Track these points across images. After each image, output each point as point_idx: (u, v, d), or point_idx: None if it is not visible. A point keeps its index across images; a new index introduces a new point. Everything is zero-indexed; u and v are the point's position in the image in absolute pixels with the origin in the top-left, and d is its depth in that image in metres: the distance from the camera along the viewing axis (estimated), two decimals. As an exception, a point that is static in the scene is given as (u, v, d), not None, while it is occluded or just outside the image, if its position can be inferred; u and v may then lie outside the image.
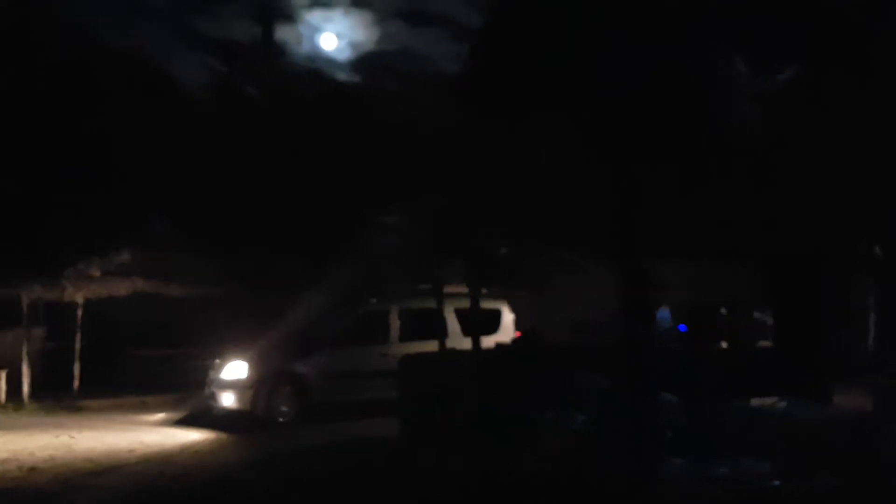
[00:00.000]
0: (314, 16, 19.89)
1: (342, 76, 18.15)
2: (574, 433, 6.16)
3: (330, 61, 18.54)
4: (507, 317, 12.11)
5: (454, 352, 9.47)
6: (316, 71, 16.97)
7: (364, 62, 18.77)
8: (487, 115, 7.27)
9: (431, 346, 10.04)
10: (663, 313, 9.15)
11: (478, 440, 6.87)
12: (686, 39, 4.49)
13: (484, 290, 10.69)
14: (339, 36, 19.85)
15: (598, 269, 11.88)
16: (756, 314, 7.96)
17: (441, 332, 9.85)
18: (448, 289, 10.57)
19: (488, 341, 9.99)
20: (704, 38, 4.75)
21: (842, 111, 5.80)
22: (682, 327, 8.83)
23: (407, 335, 11.51)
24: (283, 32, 17.54)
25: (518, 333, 11.31)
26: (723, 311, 7.92)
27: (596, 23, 4.46)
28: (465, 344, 9.86)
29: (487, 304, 11.18)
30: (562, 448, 6.09)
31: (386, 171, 12.56)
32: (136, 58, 13.36)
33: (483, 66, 5.41)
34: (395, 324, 11.70)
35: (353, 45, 19.89)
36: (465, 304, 10.40)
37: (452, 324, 10.97)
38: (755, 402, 6.59)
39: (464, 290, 10.55)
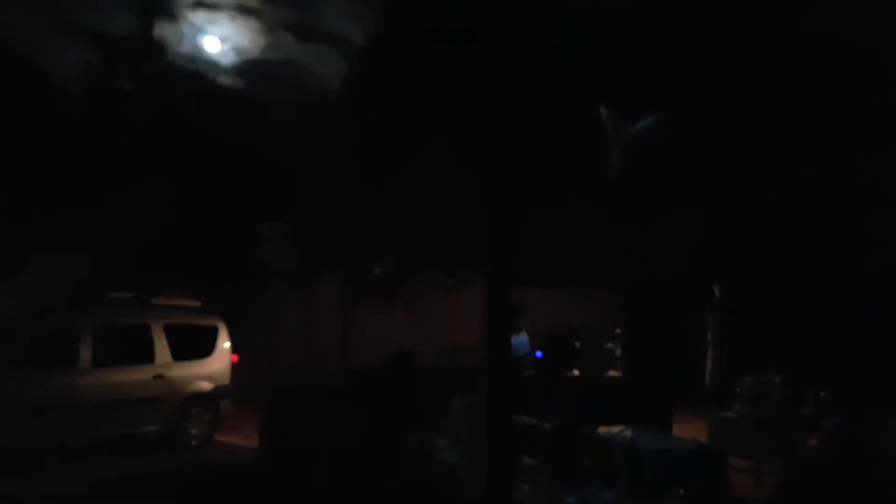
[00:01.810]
0: (198, 17, 19.38)
1: (223, 80, 17.79)
2: (435, 457, 6.35)
3: (212, 64, 18.13)
4: (224, 337, 9.77)
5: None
6: (198, 73, 16.56)
7: (248, 69, 18.47)
8: (371, 137, 7.43)
9: (137, 372, 8.57)
10: (521, 339, 9.51)
11: (343, 463, 6.93)
12: (563, 92, 4.84)
13: (196, 303, 9.60)
14: (223, 40, 19.42)
15: (471, 294, 12.35)
16: (607, 344, 8.48)
17: (146, 354, 8.63)
18: (158, 300, 9.24)
19: (196, 368, 9.14)
20: (575, 89, 5.13)
21: (693, 155, 6.37)
22: (539, 353, 9.20)
23: (104, 359, 8.37)
24: (164, 30, 17.00)
25: (235, 358, 9.75)
26: (577, 343, 8.37)
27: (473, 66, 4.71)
28: (177, 370, 8.93)
29: (201, 321, 9.62)
30: (424, 472, 6.27)
31: (263, 179, 12.47)
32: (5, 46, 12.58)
33: (367, 90, 5.54)
34: (87, 344, 8.26)
35: (237, 50, 19.52)
36: (179, 319, 9.23)
37: (162, 345, 8.93)
38: (603, 430, 6.99)
39: (178, 301, 9.43)
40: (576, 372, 8.15)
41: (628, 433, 6.89)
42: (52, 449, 7.75)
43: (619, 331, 9.47)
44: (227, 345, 9.74)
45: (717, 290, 8.94)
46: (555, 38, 5.08)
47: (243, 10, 19.31)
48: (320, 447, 7.21)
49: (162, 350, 8.88)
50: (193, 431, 9.16)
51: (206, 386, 9.24)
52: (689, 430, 8.13)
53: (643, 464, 6.21)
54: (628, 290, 7.87)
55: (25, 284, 9.66)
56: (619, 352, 8.23)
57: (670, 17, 5.41)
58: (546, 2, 5.40)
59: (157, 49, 15.70)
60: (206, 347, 9.50)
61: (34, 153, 12.02)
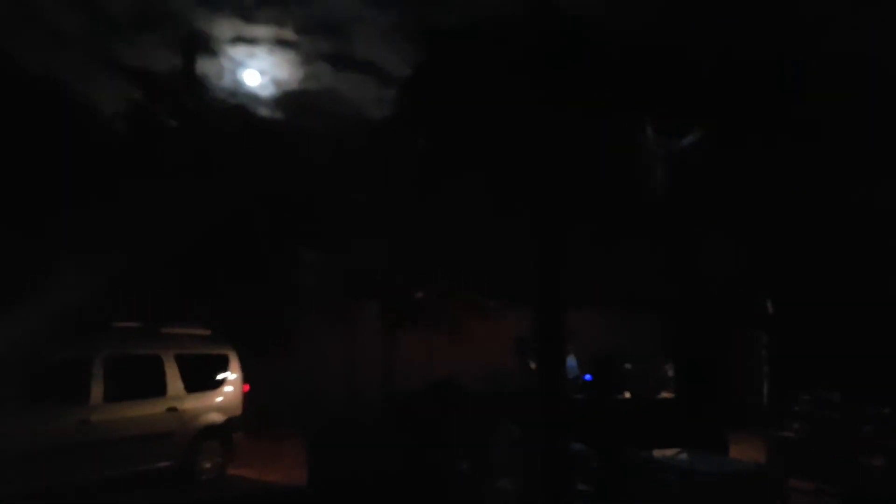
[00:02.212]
0: (238, 51, 19.84)
1: (264, 112, 18.13)
2: (485, 483, 6.24)
3: (252, 97, 18.51)
4: (235, 366, 9.33)
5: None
6: (238, 105, 16.91)
7: (287, 100, 18.80)
8: (411, 164, 7.44)
9: (150, 406, 8.13)
10: (569, 362, 9.39)
11: (393, 493, 6.84)
12: (604, 112, 4.77)
13: (206, 332, 9.20)
14: (262, 73, 19.84)
15: (513, 317, 12.23)
16: (662, 365, 8.31)
17: (158, 386, 8.22)
18: (167, 329, 8.84)
19: (208, 399, 8.75)
20: (620, 109, 5.06)
21: (737, 172, 6.23)
22: (588, 377, 9.05)
23: (118, 393, 7.86)
24: (205, 65, 17.42)
25: (246, 387, 9.38)
26: (627, 365, 8.21)
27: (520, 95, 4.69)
28: (190, 403, 8.49)
29: (212, 350, 9.21)
30: (474, 499, 6.16)
31: (303, 208, 12.60)
32: (55, 84, 13.00)
33: (410, 120, 5.55)
34: (99, 377, 7.71)
35: (276, 82, 19.91)
36: (190, 348, 8.81)
37: (174, 376, 8.50)
38: (657, 453, 6.81)
39: (188, 330, 9.05)
40: (627, 394, 7.98)
41: (684, 456, 6.70)
42: (59, 489, 7.19)
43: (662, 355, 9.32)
44: (239, 374, 9.37)
45: (769, 307, 8.70)
46: (595, 56, 5.02)
47: (281, 43, 19.73)
48: (368, 478, 7.14)
49: (174, 381, 8.50)
50: (206, 466, 8.77)
51: (218, 418, 8.90)
52: (745, 451, 7.89)
53: (701, 488, 6.03)
54: (678, 309, 7.69)
55: (48, 305, 9.26)
56: (671, 372, 8.04)
57: (712, 32, 5.34)
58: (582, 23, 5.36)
59: (199, 84, 16.08)
60: (217, 377, 9.16)
61: (76, 185, 12.30)
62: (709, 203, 6.16)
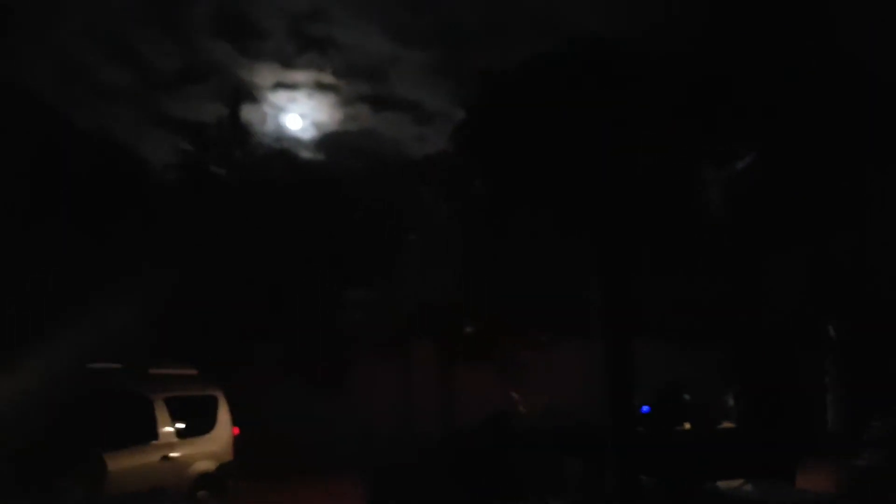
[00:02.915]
0: (280, 97, 20.40)
1: (307, 155, 18.55)
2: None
3: (296, 141, 18.97)
4: (224, 408, 8.56)
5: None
6: (283, 150, 17.33)
7: (328, 143, 19.22)
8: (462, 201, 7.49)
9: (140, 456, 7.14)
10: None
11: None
12: (658, 140, 4.77)
13: (194, 371, 8.43)
14: (303, 117, 20.33)
15: (566, 350, 12.12)
16: (722, 396, 8.14)
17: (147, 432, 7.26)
18: (154, 370, 8.02)
19: (199, 446, 7.91)
20: (673, 137, 5.05)
21: (793, 194, 6.14)
22: (645, 408, 8.90)
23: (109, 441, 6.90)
24: (248, 113, 17.96)
25: (236, 430, 8.73)
26: (686, 396, 8.03)
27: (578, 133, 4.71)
28: (182, 450, 7.63)
29: (200, 391, 8.41)
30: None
31: (356, 250, 12.78)
32: (106, 139, 13.49)
33: (466, 161, 5.58)
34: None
35: (316, 125, 20.39)
36: (179, 390, 7.99)
37: (164, 420, 7.59)
38: (722, 484, 6.65)
39: (175, 370, 8.23)
40: (687, 426, 7.81)
41: (749, 487, 6.54)
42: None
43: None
44: (228, 416, 8.60)
45: (832, 331, 8.47)
46: (643, 84, 5.03)
47: (321, 87, 20.20)
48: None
49: (165, 427, 7.64)
50: None
51: (210, 465, 8.08)
52: (813, 481, 7.62)
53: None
54: (740, 336, 7.54)
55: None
56: (731, 402, 7.86)
57: (764, 52, 5.30)
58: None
59: (244, 132, 16.54)
60: (207, 421, 8.36)
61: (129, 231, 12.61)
62: (769, 226, 6.07)
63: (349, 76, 19.89)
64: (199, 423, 8.23)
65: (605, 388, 4.24)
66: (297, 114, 20.07)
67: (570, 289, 7.81)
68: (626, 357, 4.17)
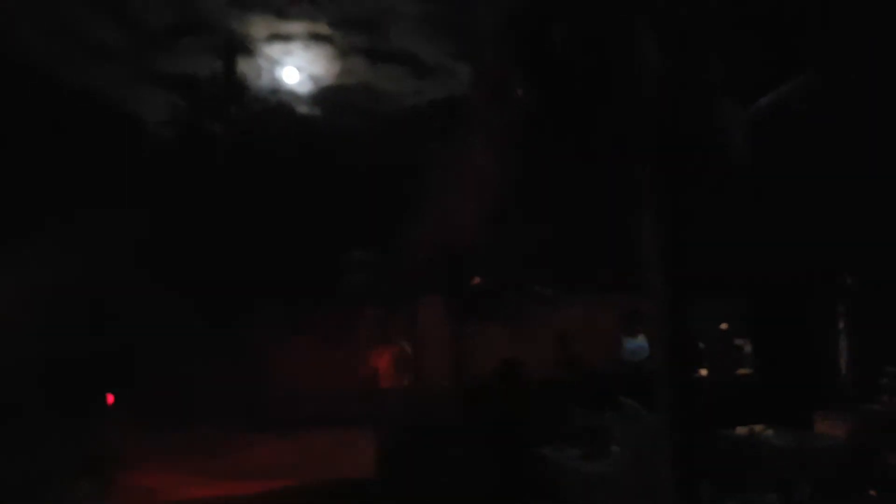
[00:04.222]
0: (274, 50, 19.93)
1: (304, 110, 18.17)
2: (569, 467, 6.09)
3: (293, 94, 18.57)
4: None
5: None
6: (280, 105, 16.97)
7: (325, 96, 18.81)
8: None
9: None
10: (639, 343, 9.21)
11: (472, 484, 6.73)
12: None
13: None
14: (299, 70, 19.89)
15: (574, 303, 12.03)
16: (736, 341, 8.07)
17: None
18: None
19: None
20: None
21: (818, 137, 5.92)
22: (633, 345, 8.92)
23: None
24: (243, 66, 17.52)
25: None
26: (701, 344, 7.97)
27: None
28: None
29: None
30: (557, 483, 6.02)
31: (360, 208, 12.57)
32: (97, 96, 13.15)
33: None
34: None
35: (313, 78, 19.95)
36: None
37: None
38: (740, 430, 6.60)
39: None
40: (703, 372, 7.76)
41: (770, 432, 6.49)
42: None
43: (724, 325, 9.04)
44: None
45: (848, 278, 8.37)
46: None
47: (317, 39, 19.72)
48: (445, 471, 7.05)
49: None
50: None
51: None
52: (830, 427, 7.58)
53: (792, 464, 5.83)
54: (753, 284, 7.42)
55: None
56: (747, 348, 7.79)
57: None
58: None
59: (240, 86, 16.18)
60: None
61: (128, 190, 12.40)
62: (791, 167, 5.87)
63: (344, 27, 19.37)
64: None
65: (660, 338, 4.06)
66: (293, 67, 19.64)
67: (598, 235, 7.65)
68: (683, 307, 3.98)
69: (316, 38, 20.02)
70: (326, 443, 10.10)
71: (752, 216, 6.80)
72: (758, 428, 6.53)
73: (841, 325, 8.80)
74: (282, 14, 19.05)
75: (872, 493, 5.38)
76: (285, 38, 19.53)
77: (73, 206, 10.99)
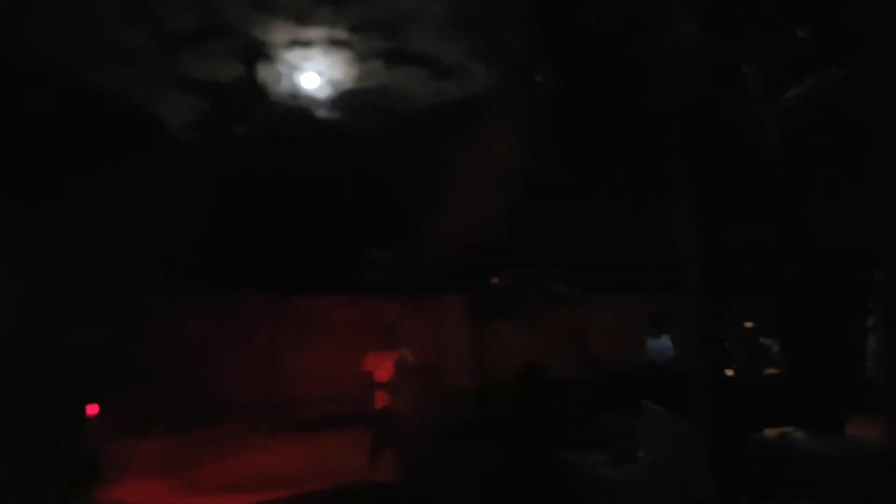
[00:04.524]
0: (294, 55, 20.02)
1: (324, 113, 18.21)
2: (594, 473, 5.97)
3: (313, 99, 18.63)
4: None
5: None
6: (300, 109, 17.03)
7: (346, 100, 18.83)
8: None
9: None
10: (664, 343, 9.05)
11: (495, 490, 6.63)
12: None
13: None
14: (319, 74, 19.94)
15: (597, 304, 11.90)
16: (763, 341, 7.90)
17: None
18: None
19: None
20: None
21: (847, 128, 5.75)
22: (655, 343, 8.79)
23: None
24: (264, 71, 17.61)
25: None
26: (727, 343, 7.79)
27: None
28: None
29: None
30: (581, 490, 5.90)
31: (380, 207, 12.57)
32: (123, 100, 13.27)
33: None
34: None
35: (332, 83, 19.98)
36: None
37: None
38: (769, 433, 6.43)
39: None
40: (729, 373, 7.59)
41: (799, 435, 6.31)
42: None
43: (749, 324, 8.86)
44: None
45: (879, 276, 8.15)
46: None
47: (336, 43, 19.76)
48: (467, 476, 6.96)
49: None
50: None
51: None
52: (861, 430, 7.39)
53: (825, 471, 5.64)
54: (788, 283, 7.24)
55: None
56: (776, 348, 7.61)
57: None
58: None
59: (261, 90, 16.26)
60: None
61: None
62: (822, 164, 5.71)
63: (364, 31, 19.40)
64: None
65: (698, 341, 3.91)
66: (314, 71, 19.70)
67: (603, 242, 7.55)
68: (721, 310, 3.84)
69: (336, 42, 20.08)
70: (330, 446, 10.01)
71: (782, 210, 6.63)
72: (788, 431, 6.34)
73: (871, 322, 8.59)
74: (303, 20, 19.12)
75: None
76: (305, 43, 19.61)
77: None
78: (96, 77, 13.61)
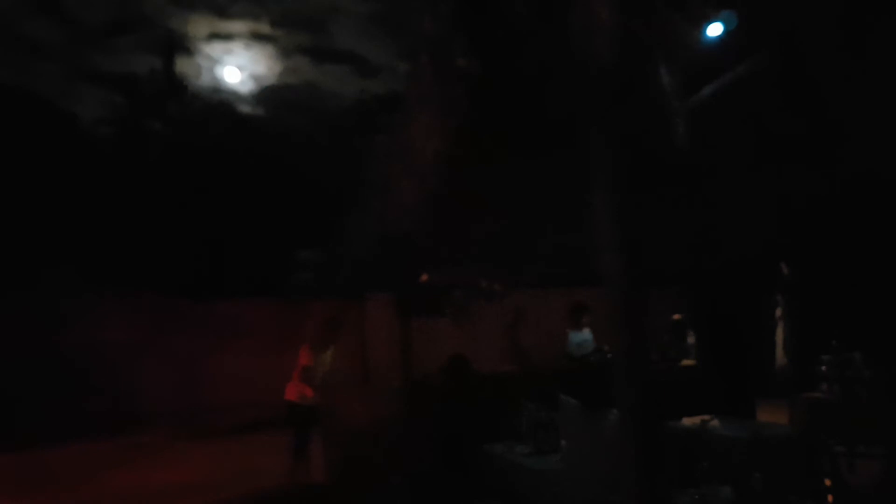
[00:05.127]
0: (214, 48, 19.52)
1: (246, 109, 17.83)
2: (520, 464, 6.04)
3: (234, 94, 18.21)
4: None
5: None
6: (221, 104, 16.63)
7: (268, 96, 18.49)
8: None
9: None
10: (584, 336, 9.26)
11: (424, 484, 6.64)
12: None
13: None
14: (241, 69, 19.49)
15: (520, 298, 12.05)
16: (679, 334, 8.18)
17: None
18: None
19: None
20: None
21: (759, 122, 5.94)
22: (577, 337, 9.00)
23: None
24: (183, 65, 17.09)
25: None
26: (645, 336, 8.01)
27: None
28: None
29: None
30: (510, 481, 5.96)
31: (304, 205, 12.38)
32: (34, 94, 12.69)
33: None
34: None
35: (255, 78, 19.56)
36: None
37: None
38: (687, 421, 6.64)
39: None
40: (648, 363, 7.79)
41: (715, 423, 6.54)
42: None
43: (677, 316, 9.16)
44: None
45: (785, 269, 8.56)
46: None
47: (258, 38, 19.37)
48: (397, 469, 6.94)
49: None
50: None
51: None
52: (772, 416, 7.73)
53: (743, 454, 5.87)
54: (697, 275, 7.50)
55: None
56: (691, 340, 7.89)
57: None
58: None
59: (179, 84, 15.75)
60: None
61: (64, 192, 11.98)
62: (734, 157, 5.91)
63: (287, 26, 19.13)
64: None
65: (619, 332, 3.93)
66: (235, 66, 19.26)
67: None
68: (642, 303, 3.87)
69: (258, 37, 19.69)
70: (244, 450, 9.85)
71: (691, 205, 6.84)
72: (705, 418, 6.57)
73: (779, 314, 9.02)
74: (223, 13, 18.64)
75: (827, 482, 5.44)
76: (226, 37, 19.15)
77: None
78: (4, 72, 13.00)
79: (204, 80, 16.28)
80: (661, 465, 4.78)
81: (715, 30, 4.72)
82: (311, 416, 8.12)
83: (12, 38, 14.64)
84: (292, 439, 8.14)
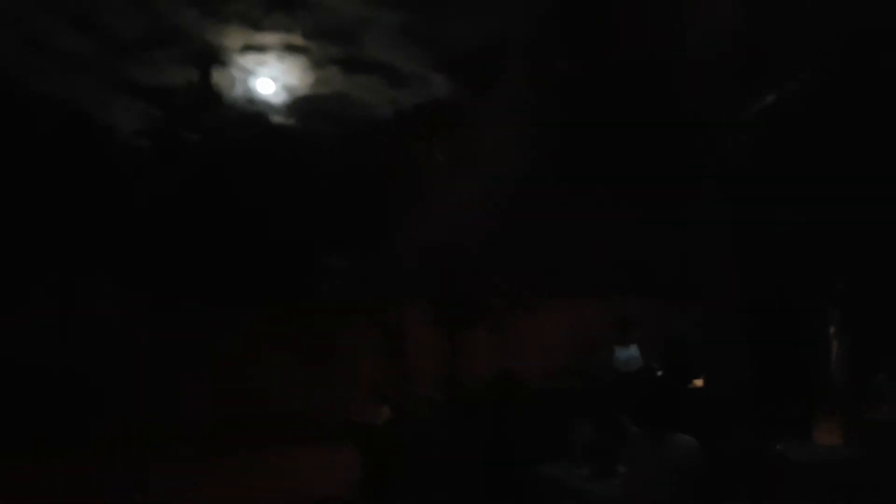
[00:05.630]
0: (248, 60, 19.64)
1: (279, 119, 17.89)
2: (578, 489, 5.90)
3: (268, 105, 18.28)
4: None
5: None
6: (256, 114, 16.67)
7: (301, 107, 18.54)
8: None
9: None
10: (631, 353, 9.06)
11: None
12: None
13: None
14: (274, 80, 19.59)
15: (559, 310, 11.89)
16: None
17: None
18: None
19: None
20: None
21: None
22: (623, 353, 8.84)
23: None
24: (218, 77, 17.18)
25: None
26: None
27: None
28: None
29: None
30: None
31: (346, 216, 12.36)
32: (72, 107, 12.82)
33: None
34: None
35: (288, 89, 19.66)
36: None
37: None
38: (747, 441, 6.49)
39: None
40: (699, 382, 7.63)
41: (776, 443, 6.37)
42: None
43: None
44: None
45: (839, 284, 8.35)
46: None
47: (291, 49, 19.49)
48: (441, 493, 6.83)
49: None
50: None
51: None
52: (826, 436, 7.50)
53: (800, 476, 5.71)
54: (745, 291, 7.34)
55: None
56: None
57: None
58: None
59: (215, 96, 15.86)
60: None
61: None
62: (780, 172, 5.78)
63: (320, 38, 19.16)
64: None
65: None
66: (268, 77, 19.36)
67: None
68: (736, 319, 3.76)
69: (291, 48, 19.78)
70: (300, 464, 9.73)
71: (744, 219, 6.71)
72: (766, 439, 6.41)
73: (832, 329, 8.81)
74: (257, 25, 18.77)
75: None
76: (260, 48, 19.26)
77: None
78: (43, 86, 13.16)
79: (238, 92, 16.29)
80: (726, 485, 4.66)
81: None
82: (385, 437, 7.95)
83: (51, 52, 14.79)
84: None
